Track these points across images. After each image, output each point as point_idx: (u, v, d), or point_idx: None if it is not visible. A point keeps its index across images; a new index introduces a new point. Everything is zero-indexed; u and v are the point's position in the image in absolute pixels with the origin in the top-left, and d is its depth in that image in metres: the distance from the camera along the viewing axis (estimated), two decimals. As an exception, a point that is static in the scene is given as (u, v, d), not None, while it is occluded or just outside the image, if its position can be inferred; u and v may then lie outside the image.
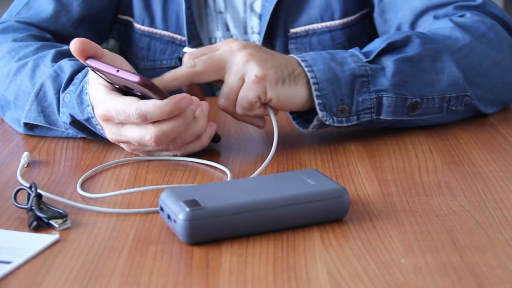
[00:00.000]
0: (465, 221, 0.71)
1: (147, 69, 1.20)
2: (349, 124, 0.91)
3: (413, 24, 1.09)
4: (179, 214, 0.66)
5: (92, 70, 0.82)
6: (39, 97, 0.94)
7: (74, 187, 0.81)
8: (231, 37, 1.18)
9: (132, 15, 1.19)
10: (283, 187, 0.71)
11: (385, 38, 0.95)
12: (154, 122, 0.82)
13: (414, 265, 0.63)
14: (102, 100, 0.84)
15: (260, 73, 0.86)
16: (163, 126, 0.81)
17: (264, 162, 0.84)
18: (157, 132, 0.81)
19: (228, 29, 1.18)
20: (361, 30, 1.18)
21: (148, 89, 0.79)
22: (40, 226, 0.71)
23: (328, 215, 0.70)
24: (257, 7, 1.17)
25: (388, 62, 0.92)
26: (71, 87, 0.91)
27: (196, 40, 1.17)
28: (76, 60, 0.93)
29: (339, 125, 0.90)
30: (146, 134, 0.82)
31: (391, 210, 0.74)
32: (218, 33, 1.18)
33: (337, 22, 1.16)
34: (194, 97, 0.84)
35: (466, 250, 0.65)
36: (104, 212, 0.74)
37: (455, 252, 0.65)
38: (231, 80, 0.88)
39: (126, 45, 1.22)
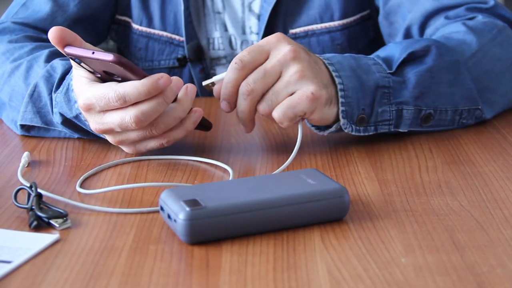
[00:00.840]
0: (465, 221, 0.71)
1: (145, 70, 1.20)
2: (366, 133, 0.90)
3: (423, 25, 1.09)
4: (179, 213, 0.66)
5: (71, 58, 0.83)
6: (34, 98, 0.94)
7: (74, 187, 0.81)
8: (229, 37, 1.19)
9: (130, 16, 1.19)
10: (284, 187, 0.71)
11: (404, 46, 0.93)
12: (134, 104, 0.81)
13: (414, 265, 0.63)
14: (83, 90, 0.84)
15: (317, 92, 0.83)
16: (142, 106, 0.81)
17: (286, 163, 0.84)
18: (136, 112, 0.80)
19: (226, 29, 1.18)
20: (361, 31, 1.18)
21: (123, 67, 0.78)
22: (41, 225, 0.71)
23: (329, 214, 0.70)
24: (256, 7, 1.17)
25: (410, 75, 0.91)
26: (61, 87, 0.91)
27: (194, 41, 1.17)
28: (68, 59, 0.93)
29: (356, 133, 0.90)
30: (126, 115, 0.81)
31: (391, 210, 0.74)
32: (216, 33, 1.18)
33: (336, 23, 1.16)
34: (175, 77, 0.82)
35: (466, 250, 0.65)
36: (104, 212, 0.75)
37: (455, 251, 0.65)
38: (279, 89, 0.84)
39: (124, 45, 1.22)
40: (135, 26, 1.19)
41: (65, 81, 0.90)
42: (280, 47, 0.85)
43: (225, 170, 0.85)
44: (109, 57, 0.78)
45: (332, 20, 1.16)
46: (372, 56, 0.93)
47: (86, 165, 0.88)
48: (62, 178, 0.84)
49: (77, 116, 0.88)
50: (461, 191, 0.78)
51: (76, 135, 0.94)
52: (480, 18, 1.04)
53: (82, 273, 0.62)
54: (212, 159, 0.88)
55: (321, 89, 0.84)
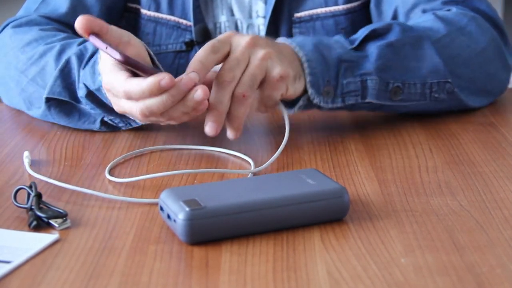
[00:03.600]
0: (465, 221, 0.71)
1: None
2: (334, 106, 0.93)
3: (406, 17, 1.12)
4: (179, 213, 0.66)
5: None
6: (64, 73, 0.96)
7: (74, 185, 0.81)
8: (236, 21, 1.19)
9: (139, 3, 1.21)
10: (283, 187, 0.71)
11: (368, 26, 0.99)
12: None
13: (414, 265, 0.63)
14: (104, 71, 0.87)
15: (284, 72, 0.87)
16: (149, 101, 0.82)
17: (277, 151, 0.86)
18: (142, 106, 0.83)
19: (232, 14, 1.19)
20: (364, 17, 1.20)
21: (131, 67, 0.82)
22: (40, 225, 0.71)
23: (328, 215, 0.70)
24: None
25: (372, 48, 0.95)
26: (90, 62, 0.93)
27: (200, 24, 1.18)
28: None
29: (324, 105, 0.93)
30: (133, 107, 0.84)
31: (391, 210, 0.74)
32: (223, 18, 1.19)
33: (340, 7, 1.17)
34: (188, 77, 0.82)
35: (466, 250, 0.65)
36: (109, 199, 0.76)
37: (455, 252, 0.65)
38: (253, 72, 0.86)
39: (133, 32, 1.23)
40: (143, 11, 1.21)
41: (94, 56, 0.93)
42: (239, 38, 0.89)
43: (247, 161, 0.87)
44: (117, 55, 0.81)
45: (336, 4, 1.17)
46: (336, 36, 0.98)
47: (86, 164, 0.88)
48: (62, 178, 0.84)
49: (99, 89, 0.90)
50: (461, 191, 0.78)
51: (99, 114, 0.95)
52: (454, 10, 1.07)
53: (82, 273, 0.62)
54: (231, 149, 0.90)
55: (287, 68, 0.88)
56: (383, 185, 0.80)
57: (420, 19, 1.06)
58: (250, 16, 1.20)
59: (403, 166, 0.86)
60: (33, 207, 0.72)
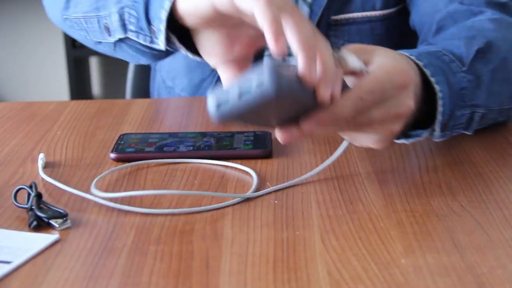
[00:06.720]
0: (466, 221, 0.71)
1: None
2: (442, 139, 0.84)
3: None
4: (263, 69, 0.60)
5: None
6: None
7: (73, 187, 0.80)
8: None
9: None
10: None
11: (466, 42, 0.88)
12: None
13: (414, 266, 0.63)
14: None
15: (412, 106, 0.74)
16: None
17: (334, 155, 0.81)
18: None
19: None
20: (398, 23, 1.18)
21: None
22: (40, 225, 0.71)
23: None
24: None
25: (480, 73, 0.86)
26: None
27: None
28: None
29: (437, 139, 0.83)
30: None
31: (392, 211, 0.74)
32: None
33: (377, 13, 1.16)
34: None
35: (467, 251, 0.65)
36: (107, 206, 0.75)
37: (455, 252, 0.65)
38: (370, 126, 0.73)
39: None
40: None
41: None
42: (400, 98, 0.73)
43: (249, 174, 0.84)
44: None
45: (373, 9, 1.16)
46: (441, 49, 0.86)
47: (86, 165, 0.88)
48: (61, 178, 0.84)
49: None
50: (461, 191, 0.78)
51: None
52: (489, 13, 1.00)
53: (82, 274, 0.62)
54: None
55: (411, 102, 0.74)
56: (383, 185, 0.80)
57: (480, 24, 0.95)
58: None
59: (403, 166, 0.86)
60: (33, 207, 0.72)
